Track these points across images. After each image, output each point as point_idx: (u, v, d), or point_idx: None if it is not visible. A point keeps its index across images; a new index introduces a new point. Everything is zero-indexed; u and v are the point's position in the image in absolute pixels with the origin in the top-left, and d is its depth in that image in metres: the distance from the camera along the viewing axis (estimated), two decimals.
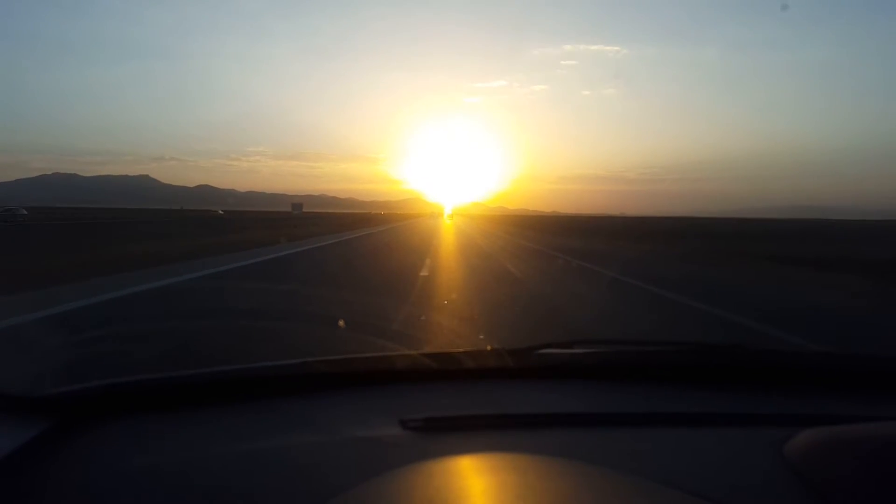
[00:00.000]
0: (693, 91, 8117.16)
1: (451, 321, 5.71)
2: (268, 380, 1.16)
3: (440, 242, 20.91)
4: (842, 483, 0.72)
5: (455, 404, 1.10)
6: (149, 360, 3.66)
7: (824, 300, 8.45)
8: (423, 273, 9.96)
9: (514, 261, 13.54)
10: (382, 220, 64.60)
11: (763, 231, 45.69)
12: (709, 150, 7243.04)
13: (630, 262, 13.80)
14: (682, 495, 0.69)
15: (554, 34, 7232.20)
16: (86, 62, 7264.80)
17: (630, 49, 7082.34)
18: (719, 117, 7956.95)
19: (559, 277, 10.82)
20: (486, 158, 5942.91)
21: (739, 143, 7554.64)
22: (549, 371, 1.27)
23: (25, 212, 50.89)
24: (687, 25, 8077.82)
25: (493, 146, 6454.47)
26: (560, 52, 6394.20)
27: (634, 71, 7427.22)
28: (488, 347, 1.27)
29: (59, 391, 1.00)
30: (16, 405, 0.98)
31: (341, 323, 4.96)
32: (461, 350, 1.26)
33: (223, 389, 1.12)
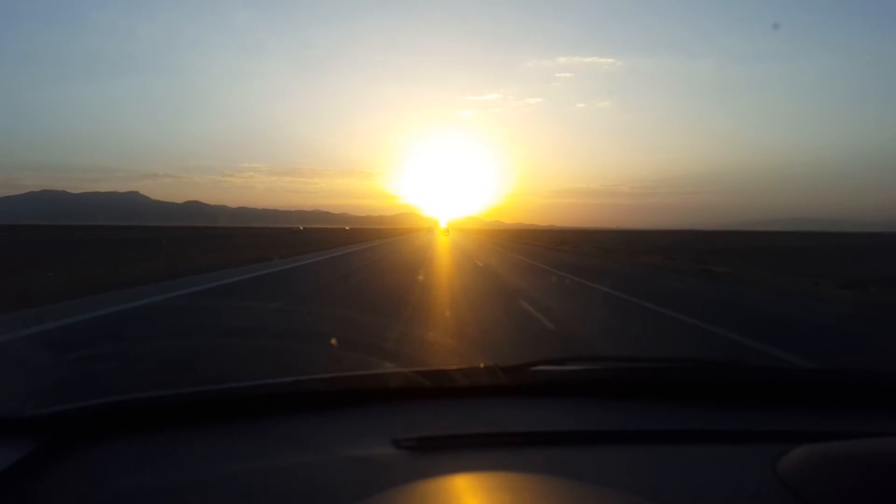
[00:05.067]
0: (687, 104, 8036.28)
1: None
2: (260, 399, 1.14)
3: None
4: (835, 499, 0.72)
5: (448, 423, 1.09)
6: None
7: None
8: None
9: None
10: (354, 238, 48.34)
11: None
12: (701, 163, 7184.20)
13: None
14: None
15: (549, 46, 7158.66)
16: (79, 78, 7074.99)
17: (625, 61, 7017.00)
18: (712, 130, 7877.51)
19: None
20: (480, 172, 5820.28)
21: (732, 155, 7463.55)
22: (542, 388, 1.26)
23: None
24: (682, 38, 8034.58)
25: (488, 160, 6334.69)
26: (555, 65, 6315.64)
27: (629, 83, 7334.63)
28: (481, 365, 1.26)
29: (47, 411, 0.98)
30: (2, 425, 0.96)
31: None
32: (454, 368, 1.25)
33: (214, 409, 1.11)
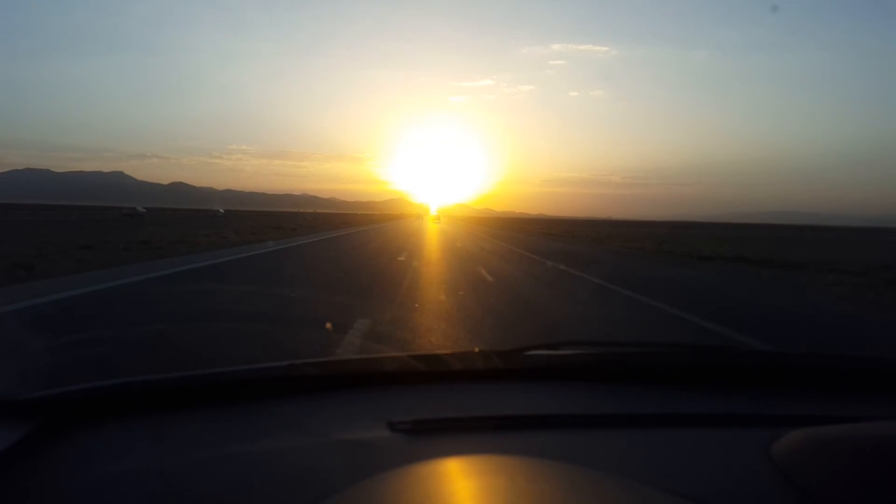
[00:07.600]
0: (679, 94, 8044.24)
1: None
2: (254, 382, 1.14)
3: None
4: (828, 483, 0.73)
5: (443, 406, 1.10)
6: None
7: None
8: None
9: None
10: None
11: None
12: (692, 154, 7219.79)
13: None
14: (669, 497, 0.69)
15: (543, 32, 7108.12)
16: (67, 55, 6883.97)
17: (619, 50, 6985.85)
18: (704, 121, 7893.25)
19: None
20: (471, 159, 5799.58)
21: (722, 147, 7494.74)
22: (537, 372, 1.27)
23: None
24: (677, 27, 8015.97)
25: (479, 147, 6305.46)
26: (548, 52, 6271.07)
27: (623, 72, 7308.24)
28: (476, 349, 1.27)
29: (41, 394, 0.98)
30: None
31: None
32: (449, 352, 1.26)
33: (208, 392, 1.10)
